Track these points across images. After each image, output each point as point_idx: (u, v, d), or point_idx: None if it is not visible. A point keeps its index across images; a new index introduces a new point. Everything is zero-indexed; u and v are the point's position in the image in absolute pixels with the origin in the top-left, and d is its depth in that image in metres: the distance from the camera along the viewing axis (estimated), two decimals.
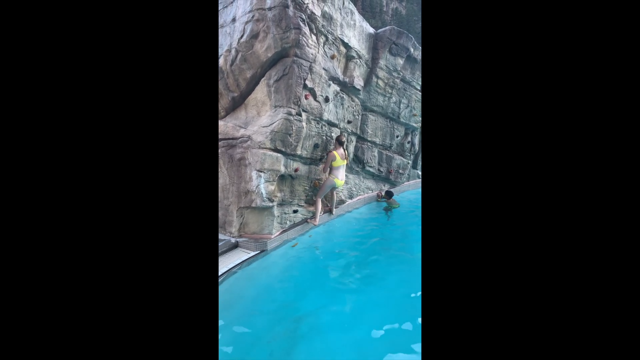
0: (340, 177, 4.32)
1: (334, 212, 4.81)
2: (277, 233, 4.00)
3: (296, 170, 4.04)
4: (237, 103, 4.10)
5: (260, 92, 3.88)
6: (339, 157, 4.22)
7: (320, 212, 4.49)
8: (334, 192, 4.74)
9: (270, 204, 3.82)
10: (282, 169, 3.84)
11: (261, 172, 3.67)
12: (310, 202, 4.51)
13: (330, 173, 4.30)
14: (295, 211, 4.25)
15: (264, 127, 3.74)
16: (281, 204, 4.04)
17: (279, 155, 3.77)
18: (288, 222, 4.19)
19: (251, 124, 3.90)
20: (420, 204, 5.64)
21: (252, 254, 3.66)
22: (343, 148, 4.30)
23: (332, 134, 4.46)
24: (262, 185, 3.69)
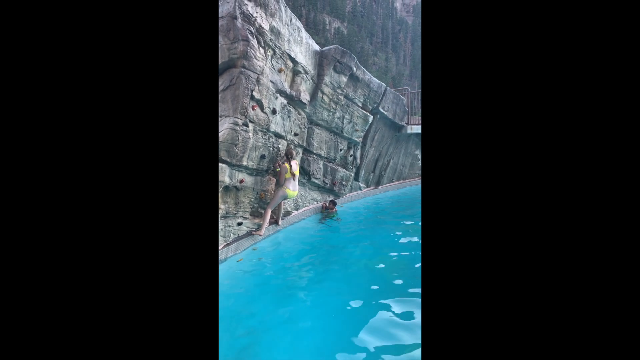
0: (292, 187, 4.41)
1: (280, 224, 4.79)
2: (221, 247, 3.85)
3: (241, 181, 3.97)
4: None
5: None
6: (290, 170, 4.33)
7: (267, 224, 4.45)
8: (282, 204, 4.75)
9: None
10: (227, 180, 3.74)
11: None
12: (256, 214, 4.45)
13: (283, 185, 4.37)
14: (239, 224, 4.15)
15: None
16: (225, 216, 3.91)
17: (223, 165, 3.67)
18: (232, 235, 4.06)
19: None
20: (360, 213, 5.92)
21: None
22: (294, 160, 4.44)
23: (280, 146, 4.50)
24: None
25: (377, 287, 3.20)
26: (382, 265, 3.69)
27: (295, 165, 4.43)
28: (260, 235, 4.35)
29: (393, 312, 2.74)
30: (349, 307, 2.85)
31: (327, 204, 5.64)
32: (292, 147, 4.70)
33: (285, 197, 4.43)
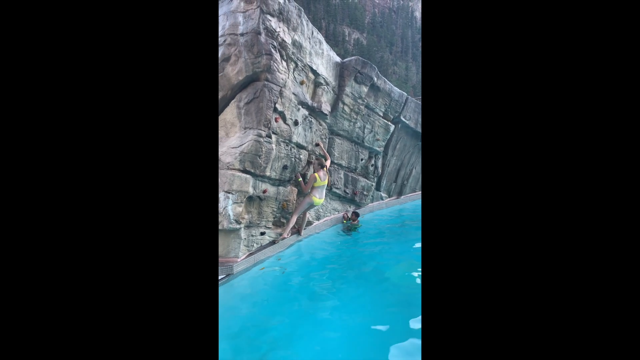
0: (318, 195, 4.50)
1: (302, 234, 4.81)
2: (244, 256, 3.90)
3: (265, 191, 4.03)
4: None
5: (230, 113, 3.88)
6: (320, 179, 4.43)
7: (290, 228, 4.51)
8: (306, 214, 4.78)
9: (238, 226, 3.74)
10: (251, 190, 3.81)
11: (229, 193, 3.61)
12: (278, 223, 4.49)
13: (310, 192, 4.47)
14: (262, 233, 4.20)
15: (233, 148, 3.72)
16: (248, 226, 3.97)
17: (247, 176, 3.75)
18: (255, 244, 4.11)
19: (219, 145, 3.85)
20: (382, 223, 5.84)
21: (218, 278, 3.53)
22: (324, 170, 4.52)
23: (301, 156, 4.55)
24: (229, 207, 3.62)
25: (399, 299, 3.13)
26: (404, 277, 3.61)
27: (324, 175, 4.50)
28: (284, 238, 4.43)
29: (414, 324, 2.66)
30: (370, 320, 2.80)
31: (349, 215, 5.61)
32: (314, 157, 4.75)
33: (312, 205, 4.51)
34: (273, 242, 4.34)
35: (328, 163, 4.73)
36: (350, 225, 5.44)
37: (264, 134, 3.81)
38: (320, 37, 4.68)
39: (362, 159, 6.01)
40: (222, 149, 3.76)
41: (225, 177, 3.60)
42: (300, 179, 4.45)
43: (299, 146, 4.52)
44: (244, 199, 3.77)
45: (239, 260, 3.79)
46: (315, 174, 4.43)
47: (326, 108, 4.89)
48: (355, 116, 5.52)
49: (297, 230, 4.78)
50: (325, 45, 4.81)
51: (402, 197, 7.47)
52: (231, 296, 3.27)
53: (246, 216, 3.88)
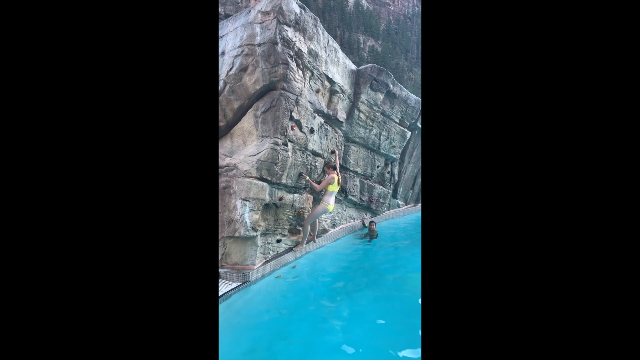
0: (332, 202, 4.45)
1: (316, 241, 4.79)
2: (260, 264, 3.92)
3: (281, 199, 4.05)
4: (223, 132, 4.13)
5: (247, 122, 3.94)
6: (336, 182, 4.36)
7: (307, 237, 4.50)
8: (317, 221, 4.75)
9: (254, 234, 3.77)
10: (267, 198, 3.84)
11: (246, 200, 3.65)
12: (294, 231, 4.49)
13: (322, 199, 4.42)
14: (278, 241, 4.21)
15: (250, 156, 3.77)
16: (265, 233, 3.99)
17: (264, 184, 3.78)
18: (271, 252, 4.12)
19: (237, 153, 3.91)
20: (399, 232, 5.74)
21: (234, 285, 3.54)
22: (337, 173, 4.47)
23: (317, 164, 4.55)
24: (246, 215, 3.66)
25: (415, 307, 3.05)
26: (419, 285, 3.52)
27: (339, 178, 4.46)
28: (303, 247, 4.42)
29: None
30: (385, 328, 2.73)
31: (368, 223, 5.55)
32: (331, 160, 4.73)
33: (326, 212, 4.46)
34: (291, 249, 4.34)
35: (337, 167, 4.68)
36: (369, 233, 5.37)
37: (280, 142, 3.85)
38: (335, 45, 4.71)
39: (378, 166, 5.96)
40: (239, 157, 3.82)
41: (242, 185, 3.65)
42: (308, 177, 4.37)
43: (315, 154, 4.54)
44: (261, 207, 3.80)
45: (255, 267, 3.80)
46: (334, 176, 4.34)
47: (342, 116, 4.90)
48: (371, 123, 5.50)
49: (311, 238, 4.76)
50: (340, 54, 4.84)
51: (420, 204, 7.33)
52: (247, 303, 3.27)
53: (263, 223, 3.91)
